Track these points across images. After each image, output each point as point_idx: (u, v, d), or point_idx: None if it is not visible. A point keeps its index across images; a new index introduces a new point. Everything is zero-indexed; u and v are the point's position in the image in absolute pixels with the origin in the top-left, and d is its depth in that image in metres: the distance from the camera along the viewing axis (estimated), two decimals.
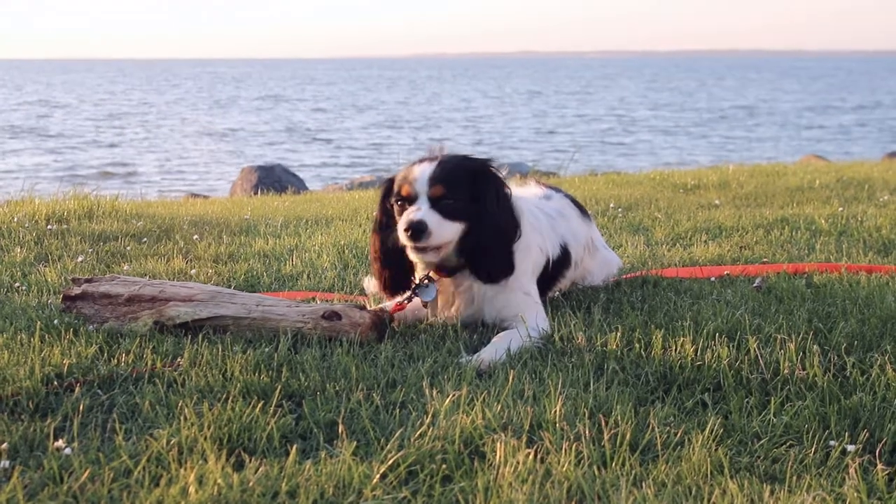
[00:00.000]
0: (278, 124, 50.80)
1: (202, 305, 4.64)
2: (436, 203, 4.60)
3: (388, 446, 3.22)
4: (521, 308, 4.76)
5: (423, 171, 4.64)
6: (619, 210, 9.09)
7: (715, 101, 76.41)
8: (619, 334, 4.45)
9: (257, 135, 44.75)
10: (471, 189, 4.66)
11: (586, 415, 3.50)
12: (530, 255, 4.96)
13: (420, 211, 4.58)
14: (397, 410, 3.61)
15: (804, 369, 3.96)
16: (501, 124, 52.95)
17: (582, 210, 5.71)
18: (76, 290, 4.80)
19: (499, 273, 4.77)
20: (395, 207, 4.73)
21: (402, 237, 4.58)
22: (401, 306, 4.85)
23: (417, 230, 4.53)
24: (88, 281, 4.84)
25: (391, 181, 4.84)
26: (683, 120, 55.91)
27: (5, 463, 3.13)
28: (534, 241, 5.02)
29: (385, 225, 4.83)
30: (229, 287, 5.50)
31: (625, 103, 73.46)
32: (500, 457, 3.15)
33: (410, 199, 4.65)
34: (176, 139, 41.88)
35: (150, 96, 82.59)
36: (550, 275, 5.21)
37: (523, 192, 5.53)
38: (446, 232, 4.60)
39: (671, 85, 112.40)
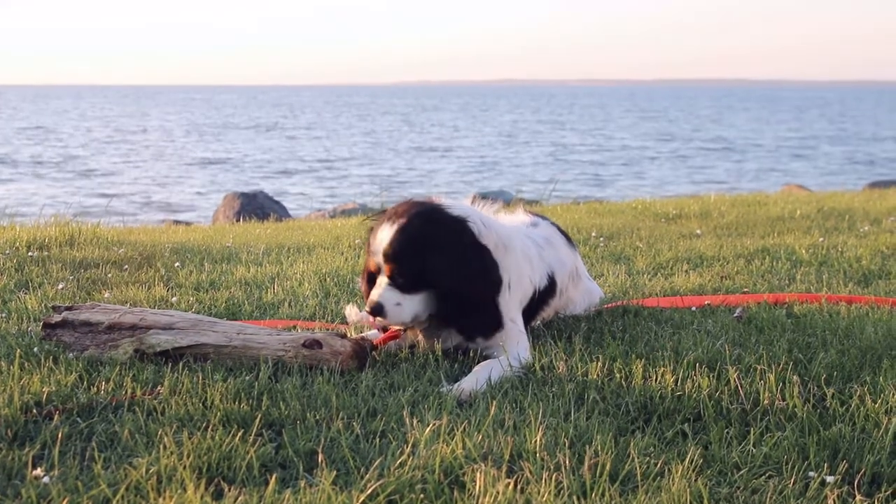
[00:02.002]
0: (268, 153, 50.60)
1: (183, 333, 4.63)
2: (394, 279, 4.64)
3: (368, 475, 3.21)
4: (505, 337, 4.77)
5: (382, 241, 4.65)
6: (601, 239, 9.12)
7: (713, 130, 76.51)
8: (599, 364, 4.46)
9: (248, 162, 44.65)
10: (433, 253, 4.61)
11: (566, 445, 3.50)
12: (521, 287, 4.98)
13: (379, 288, 4.67)
14: (377, 440, 3.61)
15: (784, 400, 3.97)
16: (498, 152, 53.15)
17: (568, 238, 5.72)
18: (56, 318, 4.79)
19: (484, 331, 4.76)
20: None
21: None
22: (393, 334, 4.84)
23: (375, 311, 4.65)
24: (69, 309, 4.83)
25: (372, 233, 4.83)
26: (677, 149, 56.05)
27: None
28: (525, 272, 5.03)
29: (369, 279, 4.84)
30: (210, 315, 5.49)
31: (619, 132, 73.57)
32: (480, 487, 3.14)
33: (377, 271, 4.72)
34: (163, 166, 41.83)
35: (141, 122, 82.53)
36: (536, 304, 5.21)
37: (511, 220, 5.53)
38: (406, 309, 4.65)
39: (660, 115, 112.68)
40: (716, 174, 42.15)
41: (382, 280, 4.67)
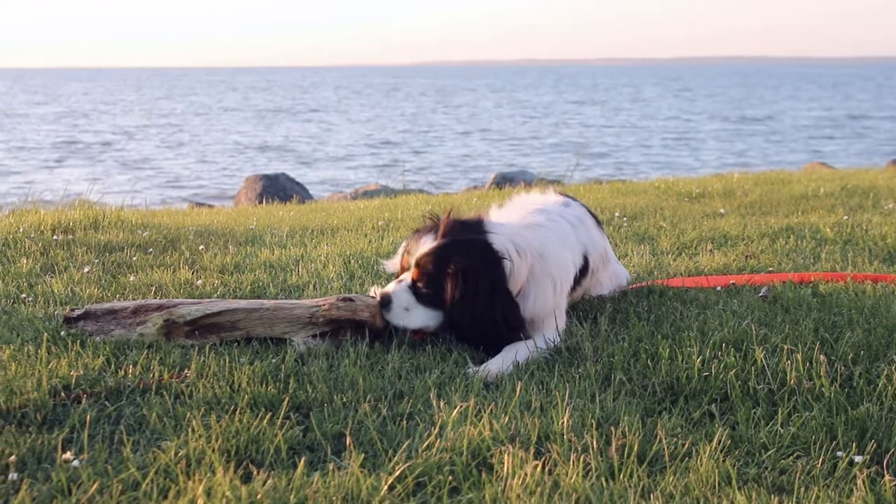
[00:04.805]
0: (310, 137, 50.25)
1: (213, 304, 4.67)
2: (416, 285, 4.68)
3: (396, 458, 3.23)
4: (550, 321, 4.81)
5: (421, 247, 4.71)
6: (625, 219, 9.09)
7: (737, 109, 75.98)
8: (625, 344, 4.46)
9: (285, 147, 44.49)
10: (462, 280, 4.58)
11: (594, 426, 3.51)
12: (570, 274, 5.03)
13: (398, 285, 4.72)
14: (405, 422, 3.62)
15: (811, 379, 3.96)
16: (546, 130, 53.17)
17: (597, 220, 5.72)
18: (78, 312, 4.80)
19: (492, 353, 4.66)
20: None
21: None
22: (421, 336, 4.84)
23: (382, 301, 4.69)
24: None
25: (415, 235, 4.89)
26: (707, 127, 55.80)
27: (14, 475, 3.14)
28: (568, 261, 5.05)
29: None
30: (235, 298, 5.53)
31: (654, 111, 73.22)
32: (507, 469, 3.15)
33: (405, 269, 4.79)
34: (196, 150, 41.94)
35: (169, 105, 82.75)
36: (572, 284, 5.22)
37: (544, 200, 5.52)
38: (412, 317, 4.68)
39: (689, 93, 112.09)
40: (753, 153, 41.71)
41: (406, 278, 4.72)
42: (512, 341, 4.67)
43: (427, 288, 4.65)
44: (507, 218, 5.10)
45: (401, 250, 5.21)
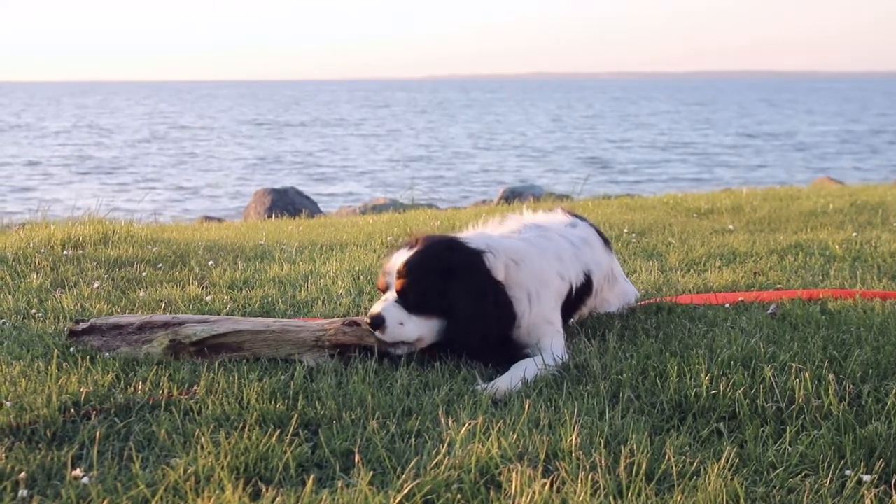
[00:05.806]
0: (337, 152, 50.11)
1: (219, 324, 4.67)
2: (402, 297, 4.63)
3: (404, 475, 3.23)
4: (542, 335, 4.78)
5: (396, 261, 4.70)
6: (633, 235, 9.08)
7: (752, 124, 75.80)
8: (633, 362, 4.46)
9: (306, 162, 44.45)
10: (448, 278, 4.62)
11: (602, 444, 3.51)
12: (550, 286, 4.98)
13: (385, 303, 4.65)
14: (413, 439, 3.63)
15: (819, 398, 3.96)
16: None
17: (605, 240, 5.72)
18: (83, 325, 4.82)
19: (498, 363, 4.66)
20: None
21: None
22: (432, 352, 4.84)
23: (374, 323, 4.61)
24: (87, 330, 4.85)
25: (388, 256, 4.91)
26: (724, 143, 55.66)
27: (23, 492, 3.16)
28: (552, 270, 5.03)
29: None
30: (244, 314, 5.54)
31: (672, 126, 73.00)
32: (516, 487, 3.15)
33: (385, 290, 4.74)
34: (208, 164, 41.99)
35: (179, 120, 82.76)
36: (574, 301, 5.22)
37: (548, 219, 5.54)
38: (409, 330, 4.62)
39: (704, 107, 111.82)
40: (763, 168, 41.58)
41: (390, 295, 4.67)
42: (507, 337, 4.72)
43: (414, 295, 4.61)
44: (489, 230, 5.20)
45: None
